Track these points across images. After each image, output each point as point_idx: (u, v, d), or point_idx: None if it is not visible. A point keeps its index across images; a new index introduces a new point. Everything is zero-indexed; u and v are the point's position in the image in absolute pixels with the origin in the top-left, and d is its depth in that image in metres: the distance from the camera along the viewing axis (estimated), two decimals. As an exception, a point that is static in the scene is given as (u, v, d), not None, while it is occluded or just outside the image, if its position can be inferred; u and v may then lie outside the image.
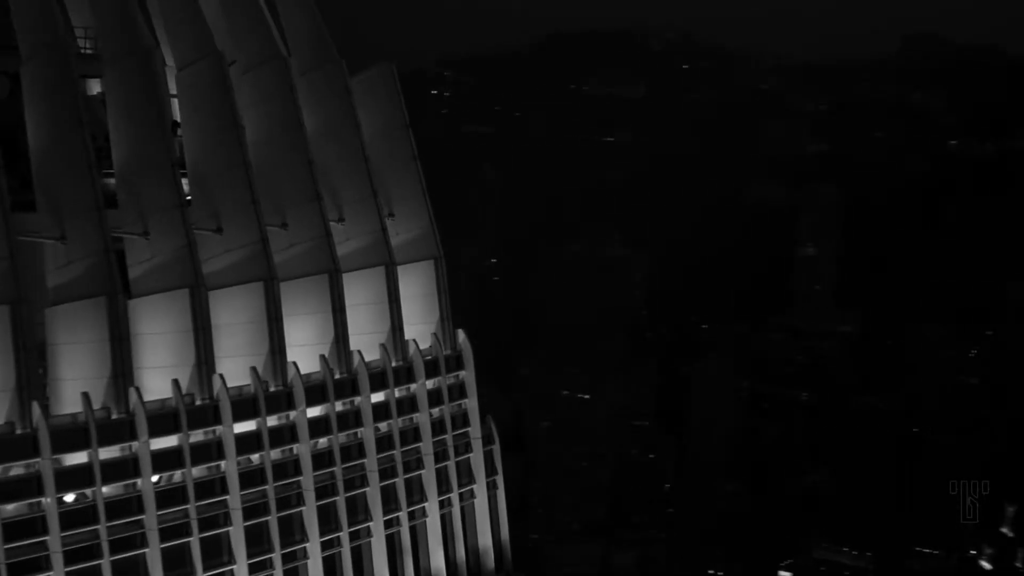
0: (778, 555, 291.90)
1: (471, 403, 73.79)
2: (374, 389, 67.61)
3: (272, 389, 62.82)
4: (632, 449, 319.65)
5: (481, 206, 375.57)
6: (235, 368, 61.93)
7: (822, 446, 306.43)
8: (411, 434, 70.09)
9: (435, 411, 71.64)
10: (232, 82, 65.93)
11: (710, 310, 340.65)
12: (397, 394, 69.12)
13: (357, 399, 66.76)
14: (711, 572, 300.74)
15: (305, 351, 65.72)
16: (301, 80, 71.22)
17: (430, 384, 71.27)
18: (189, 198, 63.53)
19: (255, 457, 62.05)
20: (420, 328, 72.25)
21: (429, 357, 71.58)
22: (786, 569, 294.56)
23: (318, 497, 64.33)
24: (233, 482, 60.70)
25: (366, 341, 68.60)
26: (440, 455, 71.22)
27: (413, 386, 70.19)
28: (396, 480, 68.20)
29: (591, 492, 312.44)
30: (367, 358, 67.72)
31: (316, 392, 64.77)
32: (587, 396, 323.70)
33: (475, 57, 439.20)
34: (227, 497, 60.52)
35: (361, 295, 69.41)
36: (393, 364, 69.12)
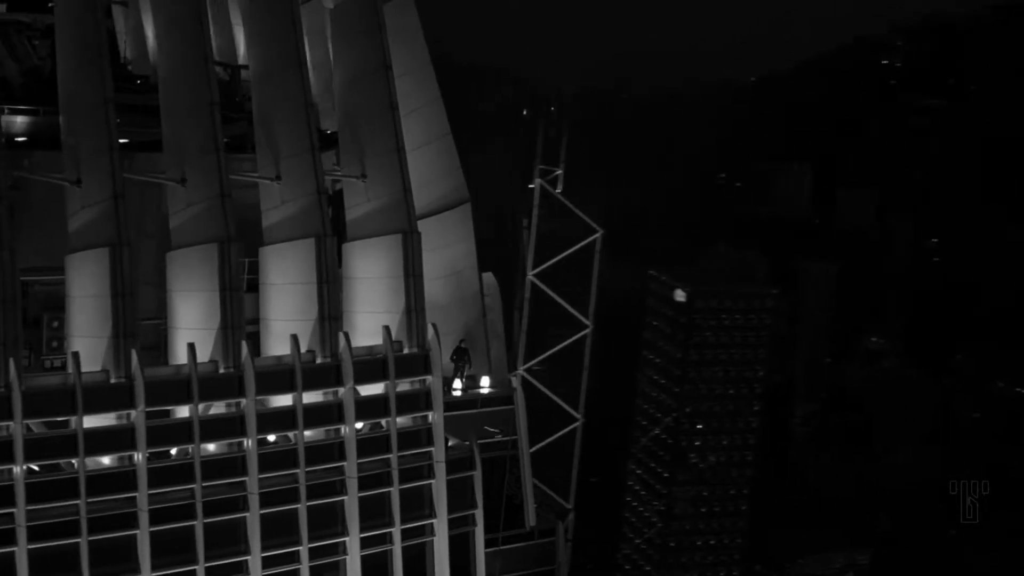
0: None
1: (436, 417, 57.99)
2: (274, 390, 54.26)
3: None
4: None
5: (925, 183, 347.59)
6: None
7: None
8: (337, 449, 56.19)
9: (385, 422, 57.39)
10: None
11: None
12: (312, 398, 55.32)
13: (243, 401, 53.50)
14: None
15: (189, 335, 53.40)
16: (248, 7, 58.76)
17: (374, 389, 57.14)
18: None
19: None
20: (380, 317, 57.88)
21: (380, 355, 57.20)
22: None
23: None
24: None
25: (288, 329, 55.50)
26: (377, 479, 56.69)
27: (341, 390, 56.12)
28: (297, 506, 54.57)
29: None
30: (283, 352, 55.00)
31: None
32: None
33: (931, 24, 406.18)
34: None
35: (291, 273, 56.17)
36: (319, 360, 55.44)
